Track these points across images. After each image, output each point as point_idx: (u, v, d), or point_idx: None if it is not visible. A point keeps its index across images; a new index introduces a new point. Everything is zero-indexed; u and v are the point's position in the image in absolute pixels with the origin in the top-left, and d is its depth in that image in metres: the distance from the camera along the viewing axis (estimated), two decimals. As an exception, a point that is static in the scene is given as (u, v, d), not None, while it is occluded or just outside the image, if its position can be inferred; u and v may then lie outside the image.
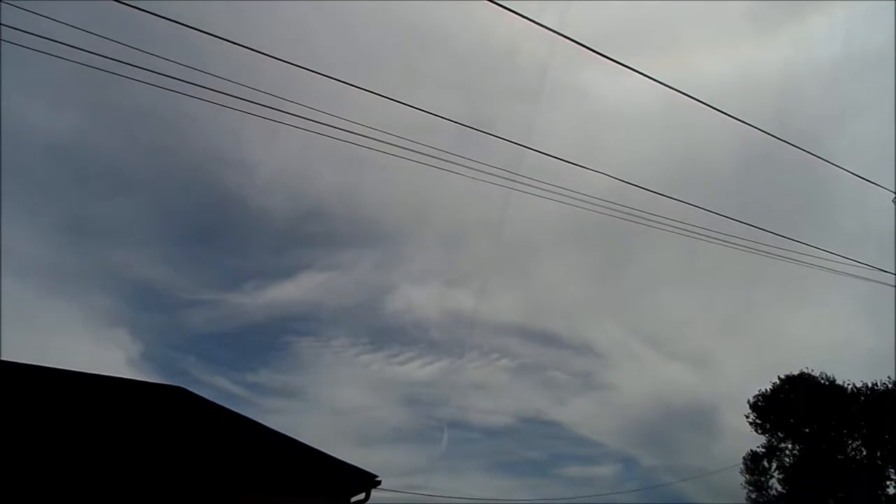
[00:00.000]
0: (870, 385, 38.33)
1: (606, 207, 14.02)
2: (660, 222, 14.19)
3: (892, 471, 37.03)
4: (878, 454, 37.37)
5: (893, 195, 14.24)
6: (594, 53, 8.24)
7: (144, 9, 7.05)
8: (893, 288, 15.52)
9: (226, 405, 12.49)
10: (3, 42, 7.02)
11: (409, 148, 10.52)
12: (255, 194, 67.72)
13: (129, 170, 60.91)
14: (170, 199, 64.68)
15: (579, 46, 8.13)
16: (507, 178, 12.49)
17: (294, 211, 71.96)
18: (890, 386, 37.27)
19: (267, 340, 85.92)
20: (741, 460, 41.44)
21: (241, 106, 8.61)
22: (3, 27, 6.83)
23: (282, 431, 11.49)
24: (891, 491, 36.64)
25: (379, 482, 10.31)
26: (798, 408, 39.37)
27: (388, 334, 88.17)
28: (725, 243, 14.94)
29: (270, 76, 9.22)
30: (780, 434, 40.98)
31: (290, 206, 69.88)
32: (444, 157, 11.15)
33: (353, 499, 10.31)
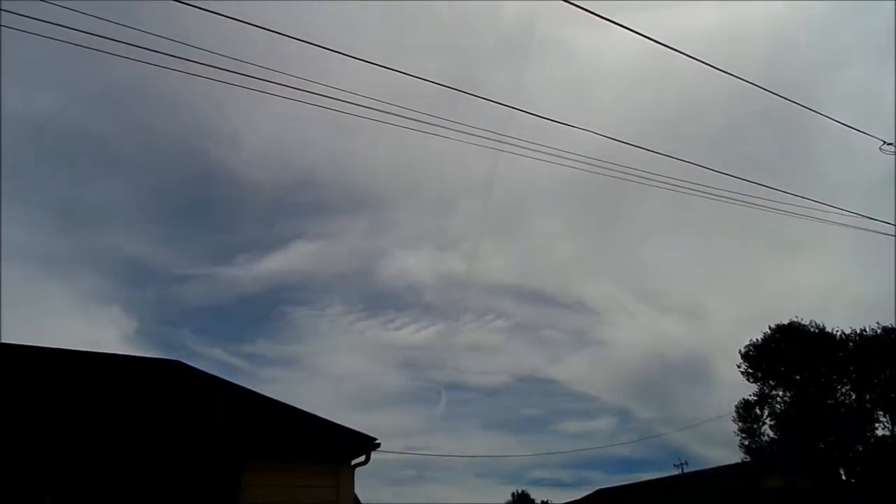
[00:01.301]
0: (858, 331, 38.96)
1: (596, 165, 14.00)
2: (650, 178, 14.18)
3: (881, 413, 37.89)
4: (867, 397, 38.19)
5: (881, 143, 14.20)
6: (581, 10, 8.09)
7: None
8: (893, 237, 15.63)
9: (224, 377, 12.61)
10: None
11: (396, 113, 10.40)
12: (242, 166, 67.04)
13: (114, 147, 60.09)
14: (157, 175, 63.90)
15: (565, 3, 7.97)
16: (495, 140, 12.39)
17: (282, 181, 71.34)
18: (878, 331, 37.88)
19: (262, 311, 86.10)
20: (734, 409, 42.33)
21: (225, 78, 8.46)
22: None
23: (281, 400, 11.63)
24: (879, 433, 37.53)
25: (378, 445, 10.46)
26: (789, 356, 40.05)
27: (383, 300, 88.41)
28: (716, 197, 14.98)
29: (253, 46, 9.05)
30: (771, 382, 41.76)
31: (279, 177, 69.28)
32: (431, 122, 11.03)
33: (354, 461, 10.45)
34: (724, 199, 15.01)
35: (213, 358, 73.61)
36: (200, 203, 71.07)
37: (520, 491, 49.34)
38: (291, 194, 72.79)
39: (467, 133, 11.67)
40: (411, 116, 10.64)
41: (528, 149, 12.59)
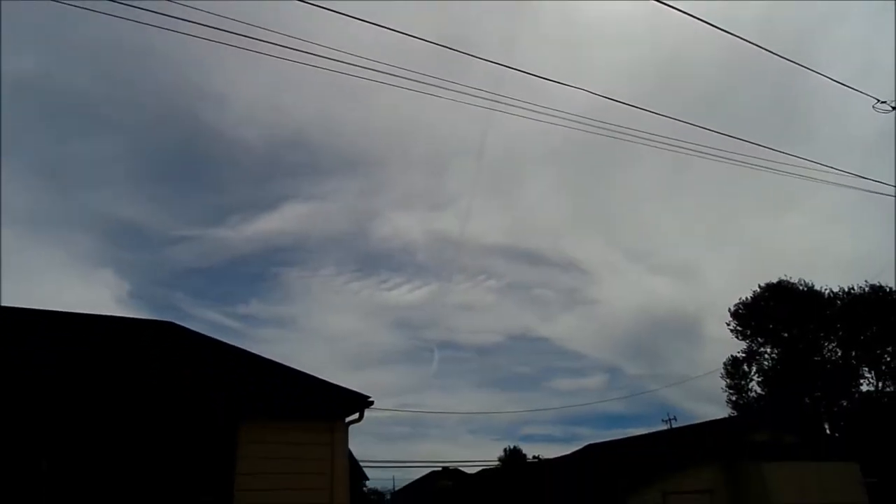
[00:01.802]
0: (846, 289, 39.45)
1: (590, 125, 13.89)
2: (643, 138, 14.11)
3: (866, 369, 38.63)
4: (853, 354, 38.88)
5: (875, 102, 14.11)
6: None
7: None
8: (885, 196, 15.68)
9: (218, 337, 12.65)
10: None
11: (389, 73, 10.24)
12: (232, 126, 66.29)
13: (100, 107, 59.15)
14: (145, 135, 63.23)
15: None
16: (487, 99, 12.25)
17: (273, 142, 70.70)
18: (866, 290, 38.34)
19: (255, 272, 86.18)
20: (722, 366, 43.10)
21: (214, 36, 8.28)
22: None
23: (274, 359, 11.70)
24: (864, 388, 38.33)
25: (372, 402, 10.59)
26: (777, 314, 40.58)
27: (376, 261, 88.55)
28: (709, 156, 14.94)
29: (243, 4, 8.86)
30: (759, 339, 42.43)
31: (269, 137, 68.63)
32: (422, 80, 10.88)
33: (348, 419, 10.60)
34: (717, 158, 14.98)
35: (206, 319, 74.06)
36: (190, 163, 70.49)
37: (512, 447, 50.22)
38: (283, 155, 72.28)
39: (460, 93, 11.53)
40: (404, 76, 10.49)
41: (521, 108, 12.47)
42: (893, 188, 15.52)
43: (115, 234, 71.21)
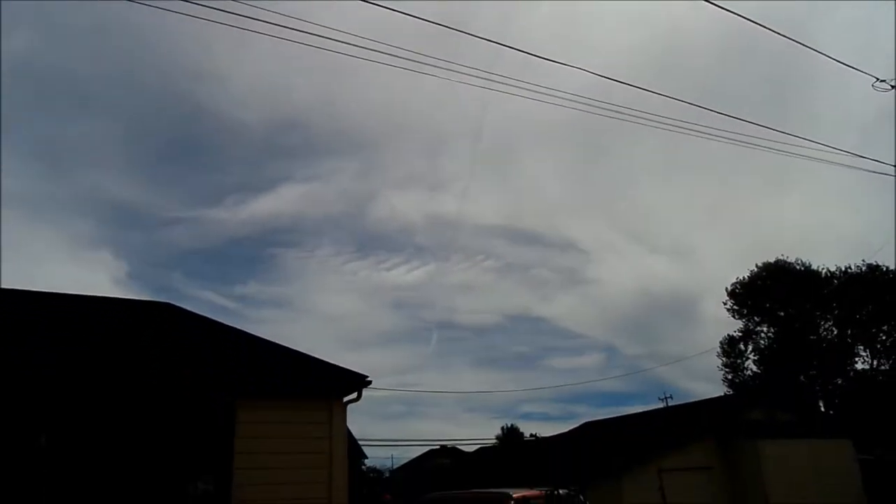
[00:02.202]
0: (843, 269, 39.53)
1: (588, 104, 13.82)
2: (641, 117, 14.05)
3: (861, 348, 38.84)
4: (849, 332, 39.05)
5: (875, 80, 14.03)
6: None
7: None
8: (883, 175, 15.66)
9: (216, 318, 12.71)
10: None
11: (385, 52, 10.15)
12: (228, 107, 65.83)
13: (95, 88, 58.67)
14: (141, 117, 62.80)
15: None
16: (484, 79, 12.18)
17: (270, 122, 70.25)
18: (863, 269, 38.41)
19: (252, 253, 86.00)
20: (718, 345, 43.29)
21: (210, 16, 8.18)
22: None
23: (272, 340, 11.76)
24: (859, 367, 38.57)
25: (370, 382, 10.65)
26: (774, 293, 40.70)
27: (374, 241, 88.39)
28: (707, 136, 14.89)
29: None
30: (756, 319, 42.58)
31: (266, 118, 68.16)
32: (419, 60, 10.80)
33: (346, 398, 10.67)
34: (715, 138, 14.93)
35: (204, 300, 74.14)
36: (187, 145, 70.14)
37: (509, 425, 50.67)
38: (280, 136, 71.88)
39: (457, 72, 11.46)
40: (401, 55, 10.40)
41: (518, 87, 12.39)
42: (893, 167, 15.50)
43: (112, 216, 71.13)
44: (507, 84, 12.27)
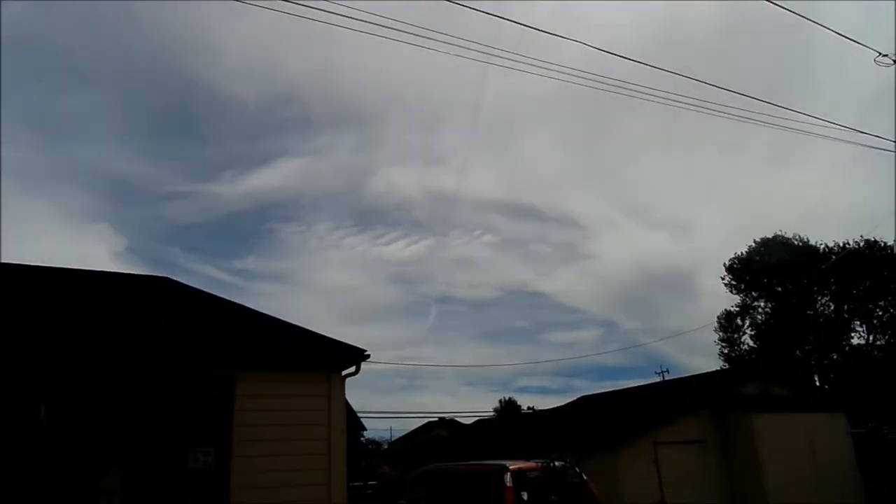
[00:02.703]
0: (841, 244, 39.60)
1: (587, 79, 13.70)
2: (641, 92, 13.94)
3: (857, 323, 39.05)
4: (845, 308, 39.25)
5: (877, 55, 13.89)
6: None
7: None
8: (883, 151, 15.60)
9: (215, 292, 12.74)
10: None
11: (381, 24, 10.03)
12: (224, 80, 65.15)
13: (89, 61, 57.99)
14: (135, 90, 62.20)
15: None
16: (483, 53, 12.02)
17: (266, 96, 69.57)
18: (861, 244, 38.48)
19: (251, 228, 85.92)
20: (716, 319, 43.56)
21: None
22: None
23: (270, 314, 11.81)
24: (854, 341, 38.82)
25: (368, 356, 10.71)
26: (771, 268, 40.82)
27: (372, 216, 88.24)
28: (707, 111, 14.79)
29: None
30: (753, 293, 42.79)
31: (262, 92, 67.55)
32: (417, 34, 10.67)
33: (345, 372, 10.74)
34: (714, 112, 14.84)
35: (203, 274, 74.24)
36: (182, 118, 69.58)
37: (507, 398, 51.16)
38: (276, 109, 71.27)
39: (455, 45, 11.32)
40: (397, 28, 10.27)
41: (518, 61, 12.27)
42: (894, 143, 15.44)
43: (109, 190, 70.73)
44: (506, 58, 12.16)
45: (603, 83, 13.39)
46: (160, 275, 13.23)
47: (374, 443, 45.39)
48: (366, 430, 36.60)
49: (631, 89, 13.74)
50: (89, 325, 9.80)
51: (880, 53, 13.74)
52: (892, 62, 13.88)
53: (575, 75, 13.11)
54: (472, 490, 11.53)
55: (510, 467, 11.17)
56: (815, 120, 15.00)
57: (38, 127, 57.33)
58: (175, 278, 13.02)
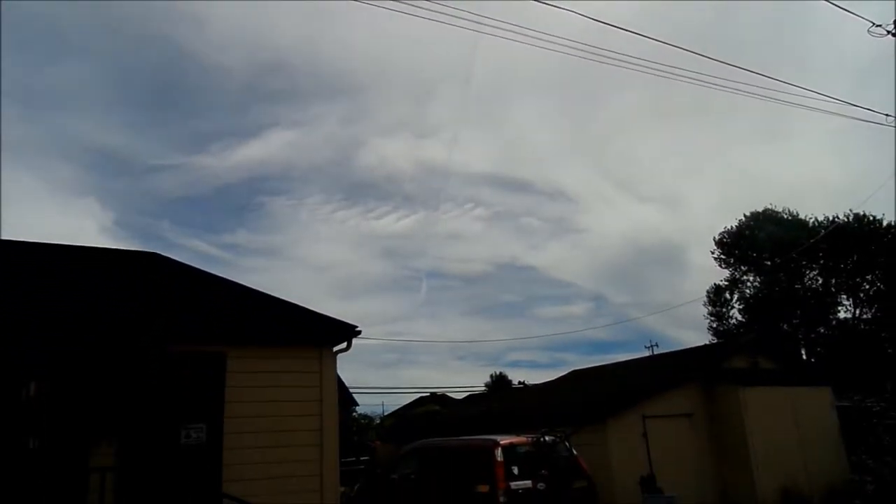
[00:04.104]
0: (831, 218, 39.80)
1: (579, 49, 13.57)
2: (632, 63, 13.83)
3: (845, 297, 39.43)
4: (833, 282, 39.59)
5: (871, 25, 13.81)
6: None
7: None
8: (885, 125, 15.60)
9: (205, 267, 12.66)
10: None
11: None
12: (210, 50, 64.13)
13: (72, 31, 56.88)
14: (120, 60, 61.13)
15: None
16: (473, 22, 11.86)
17: (253, 66, 68.61)
18: (850, 219, 38.69)
19: (240, 202, 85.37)
20: (705, 294, 43.85)
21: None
22: None
23: (260, 289, 11.75)
24: (841, 315, 39.24)
25: (359, 332, 10.70)
26: (761, 242, 41.04)
27: (362, 190, 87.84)
28: (698, 82, 14.72)
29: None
30: (742, 268, 43.07)
31: (249, 62, 66.56)
32: (406, 1, 10.48)
33: (336, 348, 10.74)
34: (706, 84, 14.77)
35: (193, 249, 73.95)
36: (168, 89, 68.52)
37: (498, 373, 51.53)
38: (263, 80, 70.34)
39: (444, 13, 11.15)
40: (385, -4, 10.09)
41: (509, 31, 12.12)
42: (886, 116, 15.43)
43: (95, 162, 69.93)
44: (497, 27, 12.01)
45: (595, 54, 13.28)
46: (148, 250, 13.12)
47: (367, 417, 45.73)
48: (358, 405, 36.86)
49: (623, 61, 13.64)
50: (77, 303, 9.71)
51: (874, 24, 13.68)
52: (886, 33, 13.82)
53: (567, 46, 12.98)
54: (464, 464, 11.63)
55: (501, 442, 11.26)
56: (808, 92, 14.96)
57: (21, 99, 56.40)
58: (164, 253, 12.93)
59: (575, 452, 12.07)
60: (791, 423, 18.10)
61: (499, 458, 10.79)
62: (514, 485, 10.60)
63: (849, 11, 13.44)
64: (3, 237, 11.73)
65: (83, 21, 57.62)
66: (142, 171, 71.09)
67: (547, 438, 11.49)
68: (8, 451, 7.98)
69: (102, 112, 64.44)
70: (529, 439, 11.52)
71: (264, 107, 77.60)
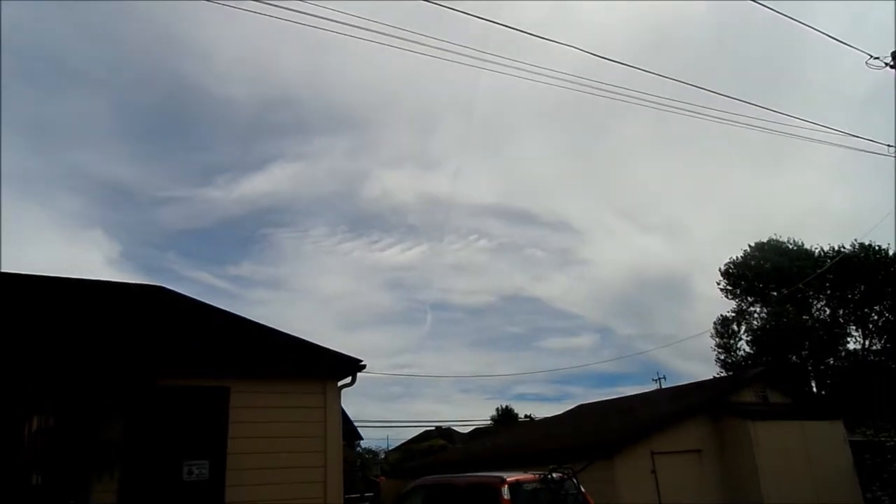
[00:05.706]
0: (836, 248, 39.64)
1: (580, 83, 13.72)
2: (633, 96, 13.97)
3: (853, 328, 39.06)
4: (841, 312, 39.25)
5: (868, 58, 13.95)
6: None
7: None
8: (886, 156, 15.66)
9: (210, 299, 12.67)
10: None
11: (374, 30, 10.01)
12: (216, 83, 65.09)
13: (80, 62, 57.86)
14: (127, 93, 62.03)
15: None
16: (476, 58, 12.03)
17: (259, 99, 69.58)
18: (855, 248, 38.52)
19: (245, 234, 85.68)
20: (712, 325, 43.48)
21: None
22: None
23: (265, 323, 11.73)
24: (850, 347, 38.82)
25: (364, 366, 10.65)
26: (767, 273, 40.83)
27: (367, 221, 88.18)
28: (699, 115, 14.83)
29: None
30: (749, 298, 42.76)
31: (255, 95, 67.49)
32: (410, 38, 10.65)
33: (340, 383, 10.67)
34: (707, 116, 14.88)
35: (199, 281, 73.98)
36: (174, 122, 69.38)
37: (504, 406, 51.02)
38: (269, 113, 71.18)
39: (447, 50, 11.32)
40: (390, 32, 10.27)
41: (510, 66, 12.29)
42: (887, 147, 15.48)
43: (102, 195, 70.55)
44: (498, 63, 12.19)
45: (596, 87, 13.42)
46: (155, 283, 13.14)
47: (371, 452, 45.20)
48: (362, 438, 36.44)
49: (623, 93, 13.77)
50: (81, 337, 9.68)
51: (872, 56, 13.81)
52: (884, 65, 13.93)
53: (568, 79, 13.14)
54: (469, 503, 11.41)
55: (508, 479, 11.06)
56: (808, 123, 15.04)
57: (29, 131, 57.10)
58: (169, 286, 12.96)
59: (583, 490, 11.84)
60: (803, 459, 17.79)
61: (505, 497, 10.58)
62: (521, 523, 10.36)
63: (846, 44, 13.60)
64: (10, 270, 11.73)
65: (89, 54, 58.69)
66: (148, 204, 71.65)
67: (555, 475, 11.28)
68: (11, 488, 7.89)
69: (109, 144, 65.19)
70: (537, 476, 11.32)
71: (269, 139, 78.47)
